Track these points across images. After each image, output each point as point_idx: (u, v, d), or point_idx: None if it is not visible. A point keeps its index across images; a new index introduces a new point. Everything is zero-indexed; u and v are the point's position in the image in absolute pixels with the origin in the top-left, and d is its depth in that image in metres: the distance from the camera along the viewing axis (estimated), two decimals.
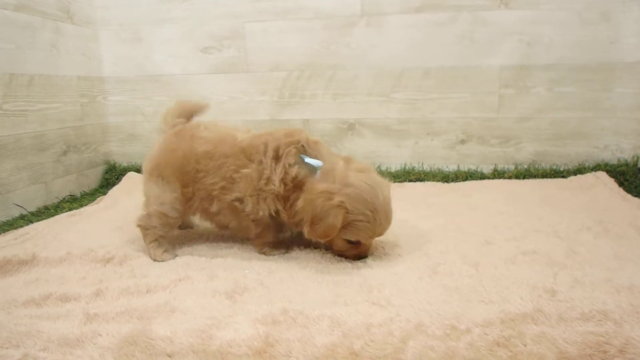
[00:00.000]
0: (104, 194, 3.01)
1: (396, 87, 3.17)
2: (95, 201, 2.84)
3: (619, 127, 2.98)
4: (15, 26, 2.64)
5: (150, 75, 3.43)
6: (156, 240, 1.92)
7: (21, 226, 2.36)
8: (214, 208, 1.89)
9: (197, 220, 2.13)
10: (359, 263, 1.74)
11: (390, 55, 3.14)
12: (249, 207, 1.80)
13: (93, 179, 3.34)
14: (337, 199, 1.64)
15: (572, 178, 2.89)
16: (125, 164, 3.52)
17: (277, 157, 1.77)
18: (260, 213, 1.79)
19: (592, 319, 1.23)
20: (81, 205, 2.78)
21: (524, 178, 3.01)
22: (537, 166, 3.10)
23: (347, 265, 1.72)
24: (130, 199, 2.83)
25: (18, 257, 1.80)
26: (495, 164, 3.16)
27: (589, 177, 2.83)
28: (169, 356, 1.18)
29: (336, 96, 3.25)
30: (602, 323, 1.21)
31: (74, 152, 3.12)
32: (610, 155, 3.01)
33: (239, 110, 3.35)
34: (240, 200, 1.82)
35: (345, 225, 1.67)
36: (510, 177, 3.02)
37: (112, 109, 3.51)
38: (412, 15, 3.06)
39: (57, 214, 2.56)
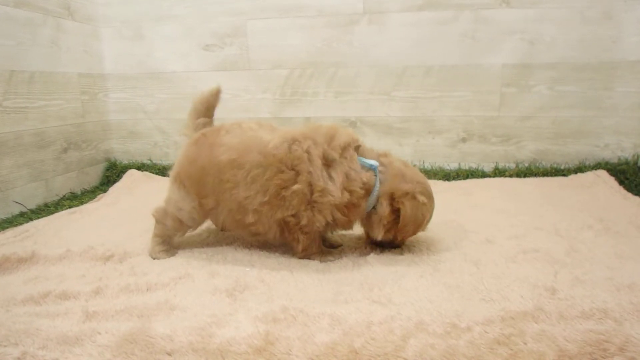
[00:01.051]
0: (105, 191, 3.01)
1: (398, 86, 3.17)
2: (96, 199, 2.83)
3: (620, 125, 2.97)
4: (16, 23, 2.64)
5: (151, 72, 3.43)
6: (161, 236, 1.90)
7: (21, 224, 2.36)
8: (250, 219, 1.76)
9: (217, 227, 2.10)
10: (361, 261, 1.74)
11: (392, 53, 3.13)
12: (304, 221, 1.72)
13: (94, 176, 3.34)
14: (421, 198, 1.71)
15: (572, 176, 2.89)
16: (126, 162, 3.52)
17: (327, 164, 1.71)
18: (317, 224, 1.72)
19: (593, 317, 1.23)
20: (81, 203, 2.78)
21: (524, 176, 3.01)
22: (538, 165, 3.10)
23: (347, 263, 1.72)
24: (131, 196, 2.84)
25: (17, 254, 1.80)
26: (496, 163, 3.16)
27: (590, 175, 2.83)
28: (169, 354, 1.18)
29: (338, 94, 3.25)
30: (602, 321, 1.21)
31: (75, 149, 3.12)
32: (611, 154, 3.01)
33: (240, 108, 3.34)
34: (295, 215, 1.72)
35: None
36: (511, 176, 3.02)
37: (113, 106, 3.51)
38: (414, 13, 3.06)
39: (57, 212, 2.56)
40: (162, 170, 3.37)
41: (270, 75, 3.29)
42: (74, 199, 2.91)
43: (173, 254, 1.89)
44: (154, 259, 1.85)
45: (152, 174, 3.29)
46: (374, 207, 1.75)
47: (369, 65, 3.17)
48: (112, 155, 3.55)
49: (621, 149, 2.99)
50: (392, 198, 1.72)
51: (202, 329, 1.23)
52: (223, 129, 1.87)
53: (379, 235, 1.75)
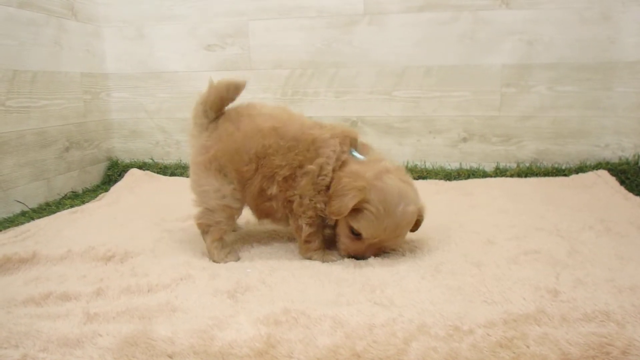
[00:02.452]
0: (106, 190, 3.01)
1: (398, 85, 3.17)
2: (97, 198, 2.83)
3: (620, 126, 2.98)
4: (19, 23, 2.64)
5: (153, 72, 3.43)
6: (220, 239, 1.86)
7: (22, 223, 2.36)
8: (272, 191, 1.81)
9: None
10: (362, 262, 1.73)
11: (393, 53, 3.13)
12: (306, 200, 1.76)
13: (95, 175, 3.34)
14: (360, 183, 1.66)
15: (573, 176, 2.89)
16: (127, 161, 3.53)
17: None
18: (318, 206, 1.75)
19: (595, 320, 1.23)
20: (83, 202, 2.78)
21: (525, 176, 3.01)
22: (538, 164, 3.10)
23: (349, 265, 1.72)
24: (132, 195, 2.84)
25: (18, 254, 1.79)
26: (497, 162, 3.16)
27: (591, 175, 2.83)
28: (170, 357, 1.17)
29: (338, 94, 3.25)
30: (604, 324, 1.21)
31: (76, 148, 3.12)
32: (612, 154, 3.01)
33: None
34: (301, 196, 1.77)
35: (356, 210, 1.67)
36: (512, 176, 3.03)
37: (115, 105, 3.51)
38: (414, 14, 3.06)
39: (58, 211, 2.56)
40: (163, 170, 3.38)
41: (271, 75, 3.29)
42: (76, 198, 2.91)
43: (237, 257, 1.87)
44: (223, 263, 1.80)
45: (153, 173, 3.29)
46: None
47: (370, 65, 3.17)
48: (113, 154, 3.55)
49: (622, 149, 2.99)
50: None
51: (203, 332, 1.23)
52: (257, 104, 1.94)
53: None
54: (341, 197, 1.66)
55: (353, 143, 1.83)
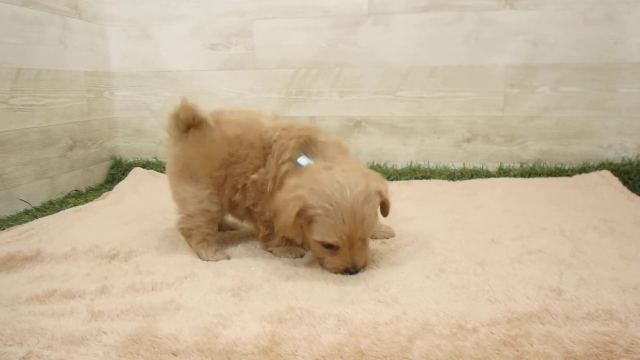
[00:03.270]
0: (110, 189, 3.02)
1: (402, 86, 3.17)
2: (101, 197, 2.84)
3: (623, 126, 2.97)
4: (23, 21, 2.65)
5: (157, 71, 3.44)
6: (204, 240, 1.87)
7: (26, 221, 2.36)
8: (235, 198, 1.86)
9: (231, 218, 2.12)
10: None
11: (397, 53, 3.14)
12: (258, 208, 1.83)
13: (99, 174, 3.35)
14: (297, 192, 1.60)
15: (576, 177, 2.89)
16: (131, 160, 3.53)
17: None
18: (267, 214, 1.78)
19: (598, 319, 1.23)
20: (86, 201, 2.79)
21: (529, 176, 3.01)
22: (542, 165, 3.10)
23: None
24: (136, 194, 2.84)
25: (22, 253, 1.80)
26: (500, 163, 3.16)
27: (594, 176, 2.83)
28: (174, 354, 1.17)
29: (343, 94, 3.25)
30: (608, 322, 1.21)
31: (80, 147, 3.13)
32: (615, 155, 3.01)
33: (246, 107, 3.34)
34: (254, 204, 1.84)
35: (309, 222, 1.61)
36: (515, 176, 3.03)
37: (119, 104, 3.52)
38: (419, 14, 3.06)
39: (62, 210, 2.56)
40: None
41: (275, 75, 3.29)
42: (79, 197, 2.92)
43: (226, 255, 1.88)
44: (213, 262, 1.81)
45: (157, 172, 3.29)
46: None
47: (374, 66, 3.18)
48: (117, 153, 3.55)
49: (625, 150, 2.99)
50: None
51: (207, 329, 1.23)
52: (227, 110, 1.95)
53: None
54: (282, 211, 1.62)
55: (305, 146, 1.77)
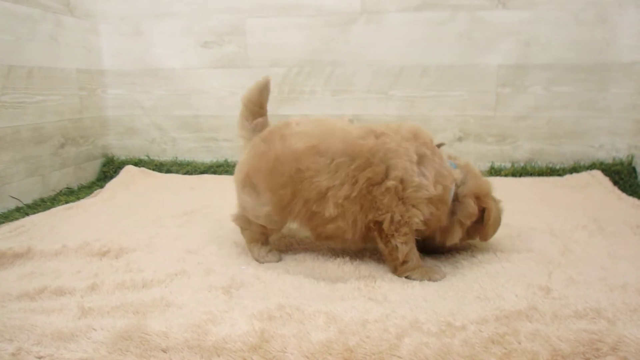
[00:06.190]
0: (102, 187, 3.01)
1: (395, 85, 3.17)
2: (93, 194, 2.83)
3: (614, 126, 2.99)
4: (15, 18, 2.64)
5: (150, 69, 3.43)
6: (256, 240, 1.81)
7: (17, 218, 2.36)
8: (332, 212, 1.62)
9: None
10: (357, 258, 1.73)
11: (389, 52, 3.14)
12: (397, 216, 1.58)
13: (91, 172, 3.34)
14: (499, 202, 1.72)
15: (567, 176, 2.90)
16: (123, 157, 3.52)
17: (420, 162, 1.60)
18: (415, 219, 1.58)
19: (586, 317, 1.24)
20: (78, 198, 2.78)
21: (520, 176, 3.02)
22: (533, 164, 3.11)
23: (345, 261, 1.72)
24: (127, 192, 2.84)
25: (13, 250, 1.80)
26: (492, 162, 3.17)
27: (585, 175, 2.84)
28: (164, 351, 1.18)
29: (335, 92, 3.25)
30: (595, 321, 1.22)
31: (72, 144, 3.12)
32: (606, 155, 3.02)
33: (238, 105, 3.33)
34: (392, 214, 1.59)
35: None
36: (506, 175, 3.04)
37: (111, 102, 3.51)
38: (411, 13, 3.06)
39: (53, 207, 2.56)
40: (159, 167, 3.38)
41: (268, 73, 3.23)
42: (71, 195, 2.91)
43: (279, 257, 1.81)
44: (262, 262, 1.77)
45: (149, 170, 3.29)
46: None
47: (366, 64, 3.18)
48: (109, 151, 3.55)
49: (616, 150, 3.00)
50: (477, 198, 1.67)
51: (197, 326, 1.24)
52: (292, 122, 1.76)
53: (458, 236, 1.68)
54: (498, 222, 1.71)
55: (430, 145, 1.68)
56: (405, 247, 1.60)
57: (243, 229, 1.85)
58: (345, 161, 1.60)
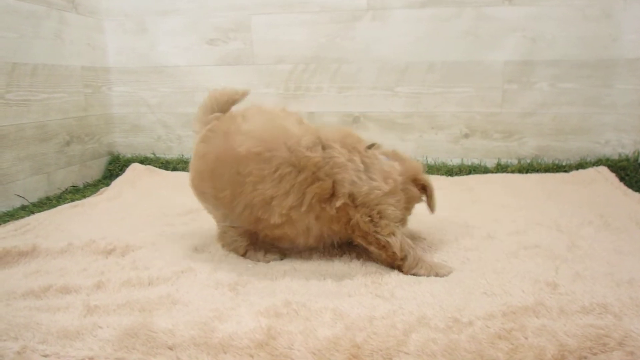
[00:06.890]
0: (107, 185, 3.01)
1: (400, 81, 3.17)
2: (98, 192, 2.83)
3: (620, 122, 2.98)
4: (19, 15, 2.64)
5: (155, 66, 3.43)
6: (247, 250, 1.76)
7: (22, 217, 2.36)
8: (276, 220, 1.59)
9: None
10: (362, 254, 1.72)
11: (395, 49, 3.14)
12: (365, 217, 1.57)
13: (96, 170, 3.34)
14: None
15: (573, 173, 2.89)
16: (129, 155, 3.53)
17: (366, 169, 1.59)
18: (387, 211, 1.57)
19: (593, 312, 1.23)
20: (84, 197, 2.78)
21: (526, 172, 3.01)
22: (539, 161, 3.10)
23: (351, 257, 1.71)
24: (133, 190, 2.84)
25: (18, 248, 1.80)
26: (498, 158, 3.16)
27: (591, 171, 2.83)
28: (170, 349, 1.17)
29: (341, 89, 3.25)
30: (602, 316, 1.21)
31: (77, 142, 3.13)
32: (612, 151, 3.02)
33: (243, 102, 3.33)
34: (360, 218, 1.56)
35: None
36: (513, 171, 3.03)
37: (116, 99, 3.52)
38: (417, 9, 3.06)
39: (59, 205, 2.56)
40: (165, 164, 3.38)
41: (273, 70, 3.29)
42: (76, 193, 2.92)
43: (278, 254, 1.77)
44: (267, 262, 1.72)
45: (155, 168, 3.29)
46: None
47: (372, 61, 3.18)
48: (114, 148, 3.55)
49: (622, 146, 3.00)
50: (414, 180, 1.72)
51: (204, 324, 1.24)
52: (239, 117, 1.69)
53: (406, 221, 1.76)
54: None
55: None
56: (395, 239, 1.56)
57: (230, 247, 1.80)
58: (291, 172, 1.57)
